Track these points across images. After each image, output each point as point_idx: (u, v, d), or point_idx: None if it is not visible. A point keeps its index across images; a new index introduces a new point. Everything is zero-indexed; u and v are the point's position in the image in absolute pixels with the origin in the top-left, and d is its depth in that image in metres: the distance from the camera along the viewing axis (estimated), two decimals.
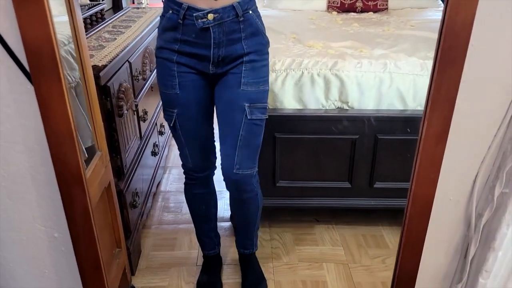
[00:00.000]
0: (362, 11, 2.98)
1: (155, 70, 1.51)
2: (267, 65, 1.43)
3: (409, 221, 1.12)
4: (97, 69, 1.52)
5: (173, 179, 2.49)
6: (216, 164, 1.61)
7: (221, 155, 1.48)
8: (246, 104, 1.39)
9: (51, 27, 0.91)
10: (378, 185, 1.91)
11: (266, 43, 1.42)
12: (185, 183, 1.63)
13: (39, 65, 0.94)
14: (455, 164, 1.06)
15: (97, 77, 1.48)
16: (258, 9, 1.41)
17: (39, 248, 1.23)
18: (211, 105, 1.49)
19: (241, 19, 1.32)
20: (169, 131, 2.73)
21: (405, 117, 1.81)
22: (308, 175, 1.90)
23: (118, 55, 1.71)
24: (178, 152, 1.55)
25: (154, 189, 2.24)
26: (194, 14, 1.28)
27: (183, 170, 1.61)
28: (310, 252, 1.90)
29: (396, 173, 1.89)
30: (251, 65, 1.38)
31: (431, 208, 1.08)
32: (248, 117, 1.39)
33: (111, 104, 1.58)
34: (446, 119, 0.99)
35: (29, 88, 1.00)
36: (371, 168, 1.89)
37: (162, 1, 1.38)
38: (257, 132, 1.44)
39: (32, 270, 1.26)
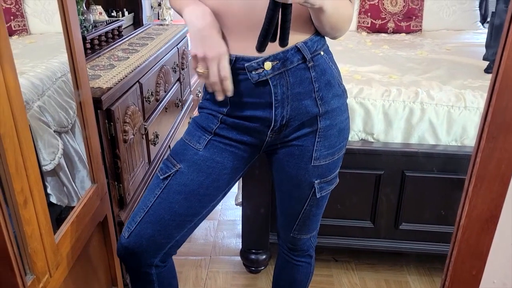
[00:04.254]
0: (394, 32, 2.81)
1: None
2: (347, 125, 1.09)
3: None
4: (100, 92, 1.42)
5: None
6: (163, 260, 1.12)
7: (277, 217, 1.24)
8: (316, 181, 1.08)
9: None
10: (404, 226, 1.73)
11: (342, 94, 1.06)
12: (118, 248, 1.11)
13: None
14: (502, 243, 0.84)
15: (98, 101, 1.37)
16: None
17: None
18: (227, 186, 1.11)
19: (310, 64, 0.98)
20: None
21: (437, 153, 1.62)
22: (326, 211, 1.72)
23: (126, 76, 1.61)
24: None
25: None
26: (246, 65, 0.94)
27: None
28: None
29: (425, 214, 1.70)
30: (327, 134, 1.04)
31: None
32: (317, 196, 1.11)
33: (115, 129, 1.47)
34: (497, 199, 0.75)
35: None
36: (397, 208, 1.70)
37: None
38: (324, 204, 1.18)
39: None
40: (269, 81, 0.96)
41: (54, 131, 1.32)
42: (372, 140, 1.68)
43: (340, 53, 2.30)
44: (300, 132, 1.03)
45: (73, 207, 1.21)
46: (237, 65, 0.96)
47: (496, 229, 0.76)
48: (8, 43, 0.82)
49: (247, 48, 0.93)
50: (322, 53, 1.01)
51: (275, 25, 0.79)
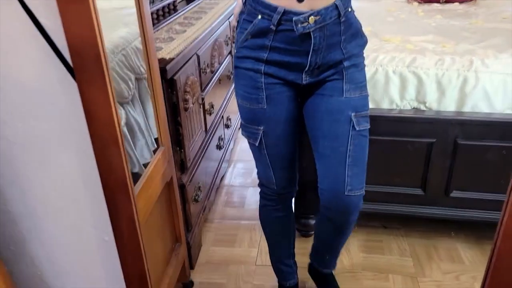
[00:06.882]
0: (447, 1, 2.75)
1: (232, 73, 1.37)
2: (364, 68, 1.26)
3: None
4: (164, 62, 1.51)
5: (237, 173, 2.46)
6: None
7: (320, 174, 1.27)
8: (352, 114, 1.20)
9: (96, 28, 0.82)
10: (455, 194, 1.75)
11: (364, 44, 1.24)
12: (262, 205, 1.48)
13: (83, 68, 0.86)
14: None
15: (163, 71, 1.47)
16: None
17: (89, 250, 1.17)
18: (300, 119, 1.31)
19: (343, 19, 1.14)
20: (237, 124, 2.71)
21: (491, 121, 1.62)
22: (377, 178, 1.78)
23: (186, 47, 1.70)
24: (245, 148, 1.46)
25: (217, 182, 2.23)
26: (294, 19, 1.09)
27: (260, 190, 1.45)
28: (376, 261, 1.79)
29: (477, 182, 1.71)
30: (352, 70, 1.21)
31: None
32: (356, 128, 1.20)
33: (177, 98, 1.57)
34: None
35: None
36: (448, 175, 1.72)
37: (243, 3, 1.19)
38: (366, 145, 1.25)
39: (81, 271, 1.20)
40: (311, 34, 1.12)
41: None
42: (425, 109, 1.70)
43: (391, 24, 2.29)
44: (330, 71, 1.21)
45: (135, 173, 1.31)
46: (284, 17, 1.11)
47: None
48: None
49: (293, 4, 1.10)
50: (350, 9, 1.17)
51: None
